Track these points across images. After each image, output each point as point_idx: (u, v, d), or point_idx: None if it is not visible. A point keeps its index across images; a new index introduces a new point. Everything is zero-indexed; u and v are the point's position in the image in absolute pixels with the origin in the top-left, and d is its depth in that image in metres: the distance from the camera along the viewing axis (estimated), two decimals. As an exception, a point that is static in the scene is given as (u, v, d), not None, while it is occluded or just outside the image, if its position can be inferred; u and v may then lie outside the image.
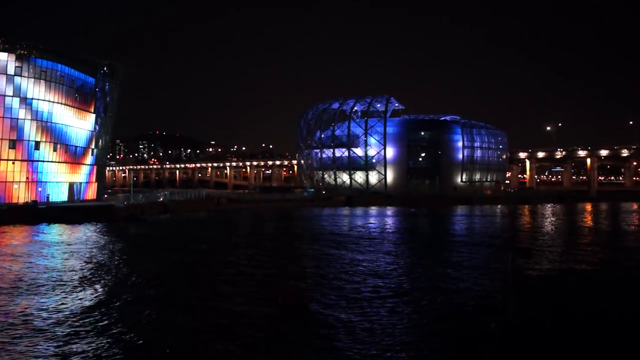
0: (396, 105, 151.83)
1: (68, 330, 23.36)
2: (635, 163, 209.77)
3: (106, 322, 24.75)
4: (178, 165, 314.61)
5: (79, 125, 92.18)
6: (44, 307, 27.20)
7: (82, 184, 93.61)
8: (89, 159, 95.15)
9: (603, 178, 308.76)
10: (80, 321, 24.72)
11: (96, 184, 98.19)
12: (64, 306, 27.54)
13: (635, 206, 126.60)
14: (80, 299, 29.16)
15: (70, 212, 76.54)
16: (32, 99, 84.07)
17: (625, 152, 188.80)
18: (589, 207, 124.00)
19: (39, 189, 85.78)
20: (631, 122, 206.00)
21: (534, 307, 21.70)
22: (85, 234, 61.19)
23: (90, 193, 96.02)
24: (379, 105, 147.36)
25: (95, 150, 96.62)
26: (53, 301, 28.59)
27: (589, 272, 36.03)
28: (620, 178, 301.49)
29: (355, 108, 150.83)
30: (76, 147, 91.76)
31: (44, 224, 70.51)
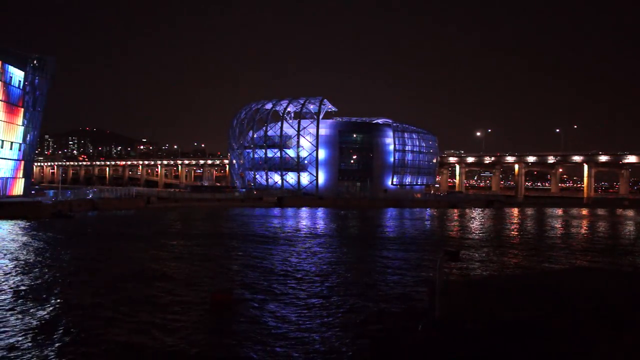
0: (329, 107, 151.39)
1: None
2: (560, 170, 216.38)
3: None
4: (108, 163, 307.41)
5: (7, 118, 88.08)
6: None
7: (8, 179, 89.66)
8: (15, 153, 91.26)
9: (530, 184, 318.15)
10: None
11: (23, 179, 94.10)
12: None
13: (560, 211, 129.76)
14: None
15: None
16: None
17: (551, 159, 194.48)
18: (515, 212, 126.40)
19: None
20: (558, 130, 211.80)
21: (461, 309, 21.24)
22: (9, 230, 58.22)
23: (17, 189, 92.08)
24: (312, 107, 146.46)
25: (23, 145, 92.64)
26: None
27: (515, 275, 36.09)
28: (547, 184, 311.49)
29: (289, 109, 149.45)
30: (2, 141, 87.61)
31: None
